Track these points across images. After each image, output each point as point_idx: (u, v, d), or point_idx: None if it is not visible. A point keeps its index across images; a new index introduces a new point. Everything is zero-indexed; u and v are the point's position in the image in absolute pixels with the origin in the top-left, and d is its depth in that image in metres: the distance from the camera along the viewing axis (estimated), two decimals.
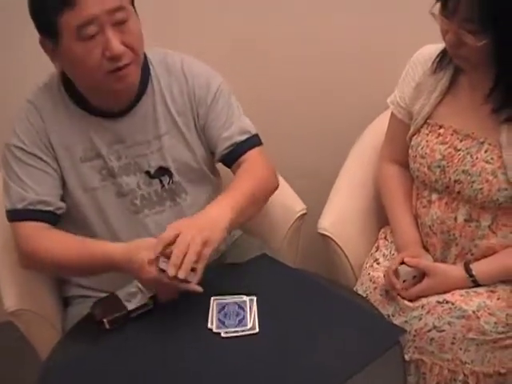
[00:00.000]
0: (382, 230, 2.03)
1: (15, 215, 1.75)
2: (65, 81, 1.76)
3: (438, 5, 1.61)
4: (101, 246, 1.67)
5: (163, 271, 1.53)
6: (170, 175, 1.84)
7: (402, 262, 1.78)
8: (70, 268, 1.73)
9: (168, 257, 1.52)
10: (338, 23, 2.37)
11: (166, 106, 1.82)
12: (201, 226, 1.57)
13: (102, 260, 1.65)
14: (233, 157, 1.88)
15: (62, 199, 1.78)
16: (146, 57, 1.79)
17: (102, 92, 1.71)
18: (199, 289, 1.54)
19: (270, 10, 2.33)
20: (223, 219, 1.62)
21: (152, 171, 1.82)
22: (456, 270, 1.75)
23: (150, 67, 1.82)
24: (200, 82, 1.85)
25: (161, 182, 1.84)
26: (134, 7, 1.67)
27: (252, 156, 1.87)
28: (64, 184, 1.78)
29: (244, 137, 1.88)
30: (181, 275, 1.50)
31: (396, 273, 1.77)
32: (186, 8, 2.27)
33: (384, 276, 1.82)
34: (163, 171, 1.83)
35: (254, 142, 1.90)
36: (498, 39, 1.55)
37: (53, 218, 1.76)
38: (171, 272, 1.50)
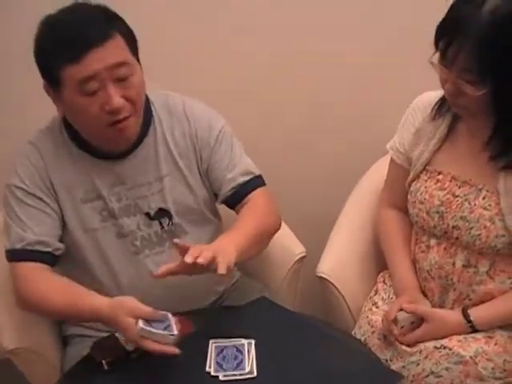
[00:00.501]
0: (381, 274, 2.04)
1: (14, 255, 1.75)
2: (66, 123, 1.78)
3: (437, 54, 1.63)
4: (89, 301, 1.64)
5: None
6: (170, 217, 1.84)
7: (401, 309, 1.78)
8: (60, 316, 1.74)
9: (148, 320, 1.53)
10: (336, 68, 2.40)
11: (167, 148, 1.83)
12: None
13: (89, 314, 1.64)
14: (237, 198, 1.89)
15: (61, 240, 1.79)
16: (147, 99, 1.81)
17: (102, 138, 1.73)
18: (177, 351, 1.52)
19: (267, 57, 2.37)
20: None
21: (152, 213, 1.83)
22: (454, 316, 1.75)
23: (152, 109, 1.84)
24: (202, 124, 1.86)
25: (160, 223, 1.84)
26: (137, 57, 1.70)
27: (255, 196, 1.88)
28: (64, 225, 1.79)
29: (247, 177, 1.89)
30: (200, 260, 1.51)
31: (394, 319, 1.77)
32: (185, 49, 2.29)
33: (382, 321, 1.82)
34: (163, 213, 1.84)
35: (257, 182, 1.91)
36: (497, 89, 1.57)
37: (51, 259, 1.76)
38: (188, 259, 1.52)
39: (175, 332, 1.52)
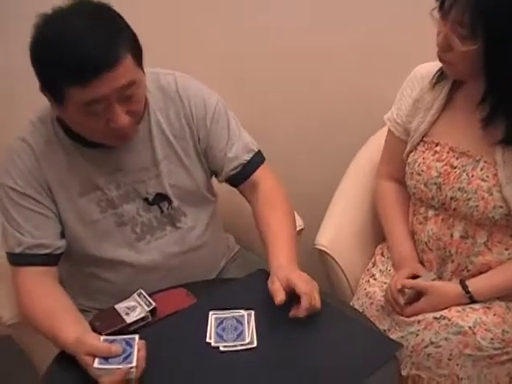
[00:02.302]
0: (379, 246, 2.05)
1: (14, 259, 1.74)
2: (60, 120, 1.72)
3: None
4: (63, 335, 1.57)
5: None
6: (169, 201, 1.82)
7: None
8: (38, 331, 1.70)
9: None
10: (336, 40, 2.40)
11: (162, 131, 1.78)
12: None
13: (61, 347, 1.60)
14: (241, 178, 1.88)
15: (63, 236, 1.77)
16: None
17: (102, 142, 1.69)
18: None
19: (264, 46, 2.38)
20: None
21: (150, 198, 1.80)
22: (452, 288, 1.76)
23: (146, 94, 1.76)
24: (197, 103, 1.81)
25: (160, 207, 1.82)
26: (141, 63, 1.62)
27: (262, 178, 1.89)
28: (63, 221, 1.75)
29: (249, 155, 1.88)
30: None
31: (401, 291, 1.78)
32: (179, 25, 2.28)
33: (386, 293, 1.83)
34: (161, 197, 1.81)
35: (259, 159, 1.90)
36: (486, 49, 1.57)
37: (51, 260, 1.74)
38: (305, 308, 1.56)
39: (134, 364, 1.47)
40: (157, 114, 1.78)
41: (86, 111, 1.53)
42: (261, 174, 1.89)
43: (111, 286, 1.86)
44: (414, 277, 1.82)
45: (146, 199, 1.81)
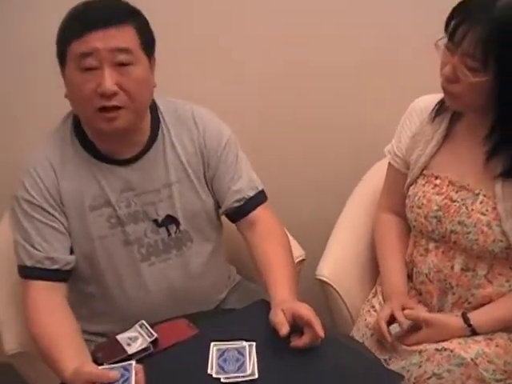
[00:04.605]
0: (380, 277, 2.05)
1: (24, 272, 1.75)
2: (77, 129, 1.77)
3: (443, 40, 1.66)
4: (62, 366, 1.57)
5: None
6: (177, 224, 1.84)
7: (393, 318, 1.80)
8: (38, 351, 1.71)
9: None
10: (335, 74, 2.42)
11: (176, 155, 1.82)
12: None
13: (58, 374, 1.60)
14: (241, 212, 1.89)
15: (72, 251, 1.78)
16: (156, 106, 1.82)
17: (104, 136, 1.73)
18: None
19: (266, 65, 2.39)
20: None
21: (159, 219, 1.82)
22: (454, 320, 1.76)
23: (160, 116, 1.83)
24: (211, 132, 1.86)
25: (168, 230, 1.84)
26: (149, 56, 1.70)
27: (263, 216, 1.90)
28: (72, 235, 1.77)
29: (253, 192, 1.90)
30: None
31: (388, 330, 1.79)
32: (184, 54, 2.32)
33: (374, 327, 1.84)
34: (170, 220, 1.83)
35: (261, 198, 1.92)
36: (497, 82, 1.58)
37: (61, 276, 1.75)
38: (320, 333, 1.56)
39: None
40: (172, 138, 1.82)
41: (79, 66, 1.61)
42: (261, 213, 1.90)
43: (113, 307, 1.86)
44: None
45: (155, 220, 1.83)
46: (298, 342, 1.58)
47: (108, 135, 1.71)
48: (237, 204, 1.88)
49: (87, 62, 1.60)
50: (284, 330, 1.56)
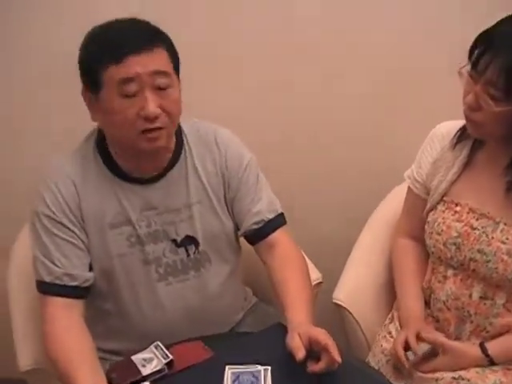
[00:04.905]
0: (396, 302, 2.03)
1: (43, 287, 1.75)
2: (100, 146, 1.78)
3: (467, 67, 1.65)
4: (77, 380, 1.58)
5: None
6: (197, 245, 1.85)
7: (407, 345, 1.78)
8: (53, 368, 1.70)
9: None
10: (359, 96, 2.42)
11: (197, 176, 1.83)
12: None
13: None
14: (260, 235, 1.89)
15: (91, 268, 1.78)
16: (180, 126, 1.83)
17: (132, 154, 1.73)
18: None
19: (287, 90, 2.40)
20: None
21: (179, 240, 1.83)
22: (472, 349, 1.74)
23: (183, 136, 1.84)
24: (232, 154, 1.87)
25: (186, 251, 1.84)
26: (178, 76, 1.71)
27: (281, 240, 1.90)
28: (91, 251, 1.77)
29: (272, 215, 1.90)
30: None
31: (405, 355, 1.77)
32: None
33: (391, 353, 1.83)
34: (190, 240, 1.84)
35: (280, 221, 1.92)
36: None
37: (79, 293, 1.76)
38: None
39: None
40: (194, 159, 1.83)
41: (119, 92, 1.60)
42: (279, 237, 1.90)
43: (128, 325, 1.86)
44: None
45: (174, 240, 1.83)
46: (315, 366, 1.57)
47: (145, 154, 1.73)
48: (256, 226, 1.88)
49: (129, 87, 1.60)
50: (300, 354, 1.55)
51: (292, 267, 1.85)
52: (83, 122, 1.76)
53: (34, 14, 2.25)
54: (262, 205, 1.89)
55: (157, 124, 1.65)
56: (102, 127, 1.75)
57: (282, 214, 1.93)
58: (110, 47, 1.60)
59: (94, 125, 1.79)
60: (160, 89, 1.63)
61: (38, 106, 2.38)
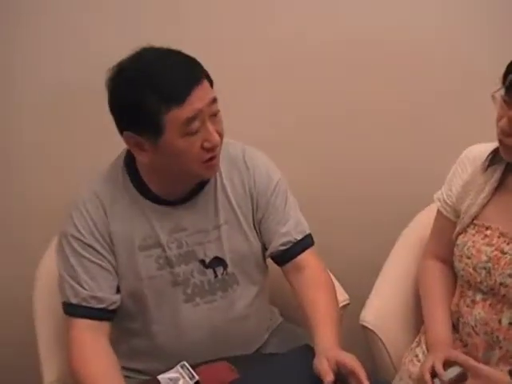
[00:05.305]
0: (424, 325, 2.01)
1: (69, 309, 1.75)
2: (128, 168, 1.78)
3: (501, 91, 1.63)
4: None
5: None
6: (225, 266, 1.84)
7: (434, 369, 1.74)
8: None
9: None
10: (387, 117, 2.43)
11: (226, 196, 1.82)
12: None
13: None
14: (288, 256, 1.88)
15: (118, 290, 1.78)
16: None
17: (169, 180, 1.74)
18: None
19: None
20: None
21: (207, 260, 1.82)
22: (500, 376, 1.70)
23: None
24: (261, 173, 1.86)
25: (214, 271, 1.84)
26: None
27: (310, 262, 1.88)
28: (119, 273, 1.78)
29: (300, 236, 1.89)
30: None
31: (433, 381, 1.73)
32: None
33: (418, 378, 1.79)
34: (218, 261, 1.83)
35: (308, 242, 1.91)
36: None
37: (105, 315, 1.76)
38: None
39: None
40: (223, 179, 1.83)
41: (184, 132, 1.59)
42: (307, 258, 1.89)
43: (154, 345, 1.86)
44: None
45: (202, 261, 1.82)
46: None
47: (189, 179, 1.75)
48: (283, 247, 1.87)
49: (194, 126, 1.59)
50: (329, 378, 1.54)
51: (320, 289, 1.84)
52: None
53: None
54: (290, 226, 1.88)
55: (218, 151, 1.66)
56: (155, 166, 1.70)
57: (309, 234, 1.92)
58: (169, 90, 1.56)
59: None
60: (214, 115, 1.64)
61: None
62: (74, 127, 2.29)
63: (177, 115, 1.56)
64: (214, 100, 1.63)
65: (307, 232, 1.92)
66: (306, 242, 1.90)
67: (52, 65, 2.22)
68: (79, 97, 2.21)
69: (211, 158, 1.66)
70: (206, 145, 1.62)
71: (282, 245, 1.87)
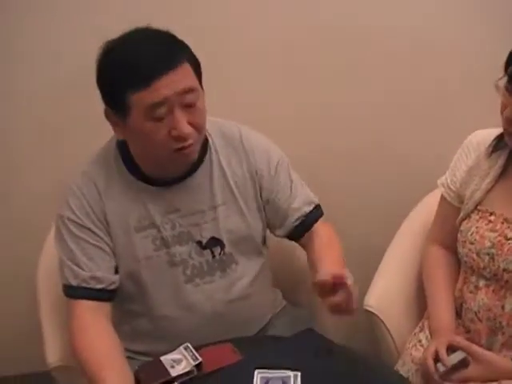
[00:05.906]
0: (427, 310, 2.01)
1: (69, 291, 1.76)
2: (121, 151, 1.78)
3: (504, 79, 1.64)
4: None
5: None
6: (222, 246, 1.84)
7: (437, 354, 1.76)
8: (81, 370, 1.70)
9: None
10: (391, 105, 2.44)
11: (224, 177, 1.82)
12: None
13: None
14: (303, 229, 1.91)
15: (117, 271, 1.79)
16: None
17: (158, 163, 1.73)
18: None
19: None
20: None
21: (204, 241, 1.83)
22: (503, 362, 1.72)
23: (209, 137, 1.82)
24: (261, 155, 1.86)
25: (212, 252, 1.84)
26: (201, 83, 1.68)
27: (321, 228, 1.93)
28: (117, 255, 1.79)
29: (311, 207, 1.92)
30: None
31: (435, 367, 1.75)
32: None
33: (421, 363, 1.81)
34: (215, 242, 1.84)
35: (319, 212, 1.95)
36: None
37: (105, 295, 1.77)
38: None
39: None
40: (219, 159, 1.82)
41: (149, 116, 1.58)
42: (320, 226, 1.93)
43: (155, 326, 1.87)
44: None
45: (199, 242, 1.83)
46: (332, 298, 1.56)
47: (175, 163, 1.73)
48: (297, 222, 1.90)
49: (159, 112, 1.57)
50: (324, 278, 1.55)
51: (329, 244, 1.89)
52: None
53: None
54: (300, 200, 1.91)
55: (189, 141, 1.64)
56: (130, 144, 1.74)
57: (318, 205, 1.95)
58: (136, 72, 1.56)
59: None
60: (188, 106, 1.61)
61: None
62: (75, 113, 2.32)
63: (142, 98, 1.56)
64: (191, 90, 1.60)
65: (316, 202, 1.95)
66: (316, 213, 1.94)
67: (51, 62, 2.26)
68: (79, 92, 2.22)
69: (182, 148, 1.64)
70: (174, 133, 1.60)
71: (296, 220, 1.90)
